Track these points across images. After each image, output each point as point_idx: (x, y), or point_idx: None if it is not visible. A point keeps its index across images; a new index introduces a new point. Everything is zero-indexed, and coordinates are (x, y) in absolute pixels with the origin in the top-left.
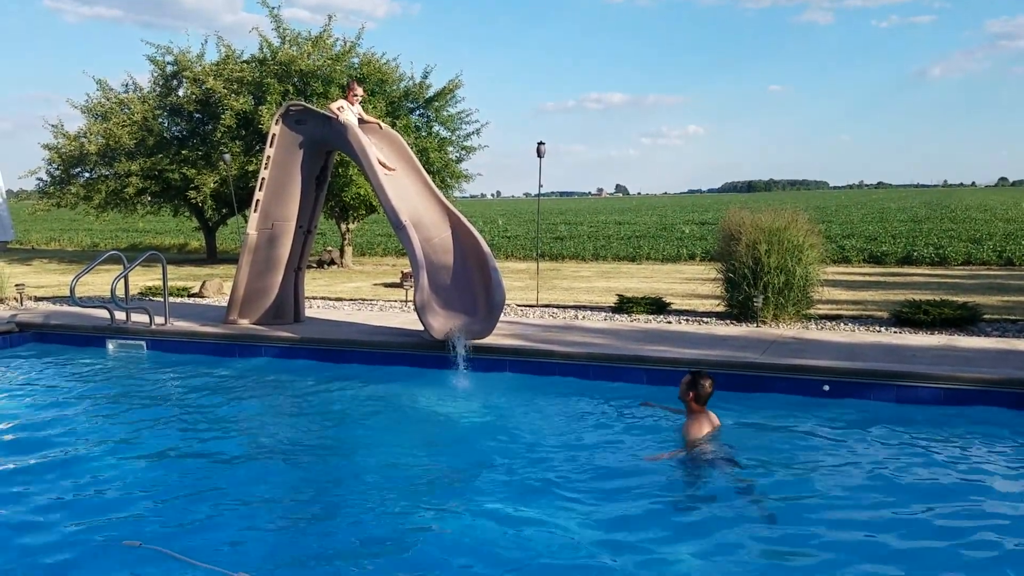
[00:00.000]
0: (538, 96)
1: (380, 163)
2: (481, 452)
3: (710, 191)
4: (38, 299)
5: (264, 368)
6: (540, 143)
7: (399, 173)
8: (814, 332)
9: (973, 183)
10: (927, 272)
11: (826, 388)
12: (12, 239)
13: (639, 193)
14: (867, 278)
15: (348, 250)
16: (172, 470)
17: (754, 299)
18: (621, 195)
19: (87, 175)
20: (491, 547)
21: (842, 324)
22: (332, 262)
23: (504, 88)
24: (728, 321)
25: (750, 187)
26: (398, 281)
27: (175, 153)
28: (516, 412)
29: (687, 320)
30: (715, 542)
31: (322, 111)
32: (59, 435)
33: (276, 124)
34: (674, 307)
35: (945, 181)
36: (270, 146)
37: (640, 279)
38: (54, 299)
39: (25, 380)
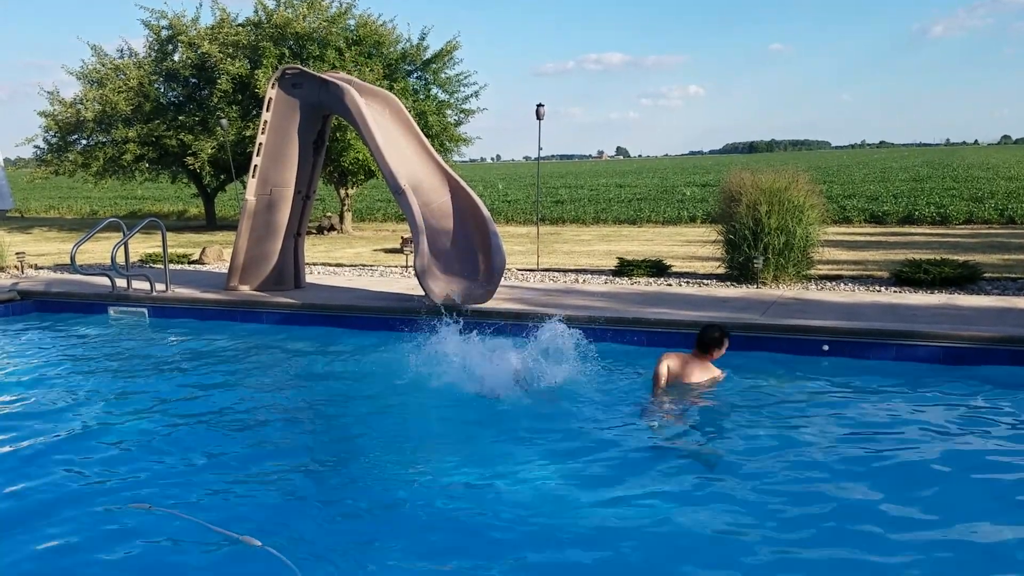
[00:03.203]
0: (536, 57)
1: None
2: (482, 415)
3: (711, 152)
4: (38, 267)
5: (265, 334)
6: (539, 105)
7: (397, 137)
8: (814, 292)
9: (976, 141)
10: (928, 231)
11: (825, 348)
12: (11, 207)
13: (640, 155)
14: (868, 238)
15: (348, 216)
16: (175, 436)
17: (754, 260)
18: (622, 158)
19: (84, 142)
20: (491, 505)
21: (842, 284)
22: (332, 228)
23: (502, 50)
24: (728, 283)
25: (752, 148)
26: (398, 247)
27: (172, 119)
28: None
29: (687, 282)
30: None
31: (319, 74)
32: (63, 402)
33: (272, 88)
34: (674, 269)
35: (948, 140)
36: (267, 111)
37: (641, 242)
38: (55, 267)
39: (27, 348)
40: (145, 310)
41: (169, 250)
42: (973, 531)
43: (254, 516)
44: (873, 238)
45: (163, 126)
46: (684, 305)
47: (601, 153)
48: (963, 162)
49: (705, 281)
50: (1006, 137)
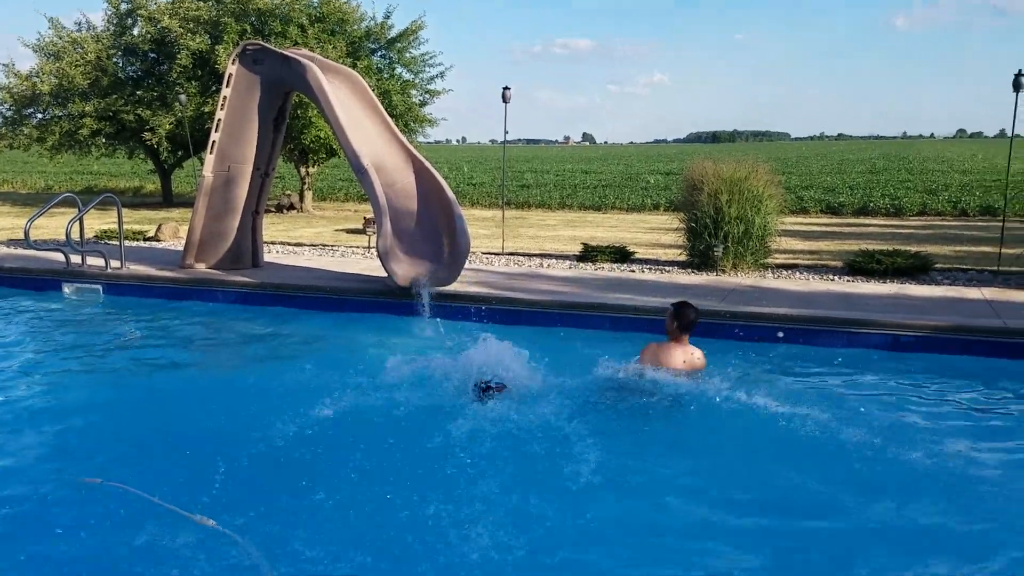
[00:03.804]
0: (503, 40)
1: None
2: (444, 397)
3: (675, 141)
4: None
5: (221, 313)
6: (505, 88)
7: (360, 116)
8: (771, 281)
9: (932, 135)
10: (882, 223)
11: (780, 335)
12: None
13: (606, 142)
14: (824, 228)
15: (308, 195)
16: (129, 414)
17: (715, 248)
18: (588, 144)
19: (40, 116)
20: (462, 489)
21: (798, 273)
22: (292, 207)
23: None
24: (689, 270)
25: (715, 138)
26: (360, 227)
27: (130, 94)
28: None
29: (650, 269)
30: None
31: (280, 51)
32: (14, 379)
33: (233, 64)
34: (637, 256)
35: (905, 133)
36: (226, 86)
37: (605, 228)
38: (8, 242)
39: None
40: (99, 287)
41: (125, 227)
42: (907, 504)
43: (206, 494)
44: (829, 228)
45: (120, 101)
46: (646, 291)
47: (567, 139)
48: (919, 155)
49: (667, 268)
50: (961, 131)
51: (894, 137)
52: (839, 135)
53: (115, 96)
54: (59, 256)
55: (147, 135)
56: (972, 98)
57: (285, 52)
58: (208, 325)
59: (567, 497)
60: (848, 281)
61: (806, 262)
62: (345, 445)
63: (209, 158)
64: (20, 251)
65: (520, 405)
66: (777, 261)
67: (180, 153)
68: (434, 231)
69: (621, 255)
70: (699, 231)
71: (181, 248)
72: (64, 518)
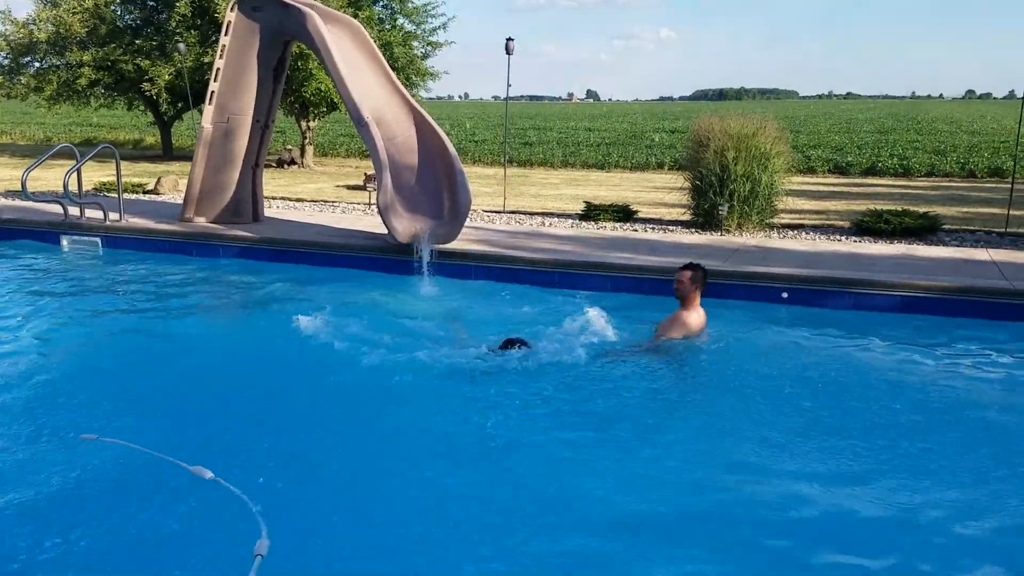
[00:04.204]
0: None
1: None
2: (443, 355)
3: (681, 98)
4: None
5: (222, 268)
6: (509, 39)
7: (362, 67)
8: (776, 241)
9: (941, 95)
10: (890, 183)
11: (785, 296)
12: None
13: (611, 99)
14: (831, 188)
15: (309, 149)
16: (126, 367)
17: (720, 207)
18: (592, 101)
19: (37, 65)
20: (453, 453)
21: (804, 233)
22: (292, 162)
23: None
24: (694, 229)
25: (721, 95)
26: (361, 183)
27: (128, 43)
28: (481, 318)
29: (653, 228)
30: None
31: None
32: (11, 331)
33: (232, 11)
34: (641, 215)
35: (913, 93)
36: (225, 35)
37: (608, 187)
38: (6, 193)
39: None
40: (98, 240)
41: (124, 179)
42: (920, 463)
43: (204, 447)
44: (836, 188)
45: (119, 50)
46: (648, 250)
47: (571, 95)
48: (927, 115)
49: (671, 227)
50: (970, 92)
51: (902, 97)
52: (847, 94)
53: (113, 45)
54: (57, 208)
55: (146, 86)
56: (982, 59)
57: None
58: (207, 279)
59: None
60: (855, 241)
61: (813, 222)
62: (344, 401)
63: (208, 109)
64: (17, 202)
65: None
66: (783, 221)
67: (180, 105)
68: (435, 187)
69: (624, 214)
70: (704, 189)
71: (181, 201)
72: (60, 474)
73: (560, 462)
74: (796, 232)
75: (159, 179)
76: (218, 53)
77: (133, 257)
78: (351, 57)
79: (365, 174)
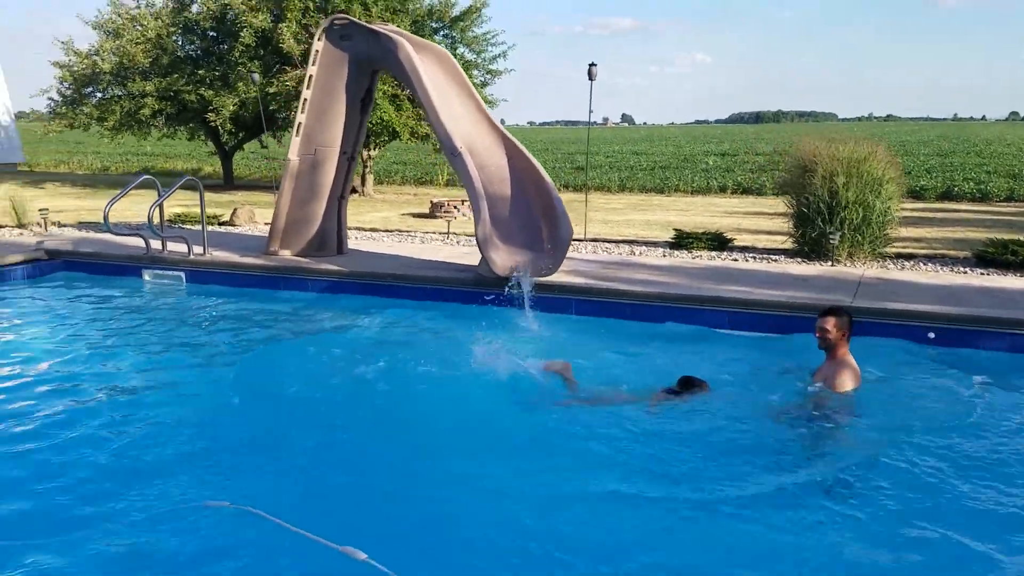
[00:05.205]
0: (542, 20)
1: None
2: (550, 398)
3: (717, 121)
4: (62, 225)
5: (311, 303)
6: (591, 64)
7: (450, 95)
8: (895, 272)
9: (983, 117)
10: (971, 208)
11: (931, 336)
12: (21, 161)
13: (645, 123)
14: (912, 213)
15: (370, 178)
16: (221, 414)
17: (830, 235)
18: (627, 125)
19: (99, 95)
20: (558, 510)
21: (920, 264)
22: (353, 190)
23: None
24: (798, 259)
25: (758, 118)
26: (427, 211)
27: (190, 73)
28: (587, 355)
29: (754, 258)
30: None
31: (369, 25)
32: (98, 373)
33: (319, 40)
34: (736, 243)
35: (955, 115)
36: (313, 64)
37: (676, 212)
38: (79, 225)
39: (57, 312)
40: (182, 274)
41: (193, 210)
42: None
43: (306, 504)
44: (917, 213)
45: (181, 80)
46: (759, 283)
47: (606, 120)
48: (978, 137)
49: (773, 256)
50: (1014, 113)
51: (944, 119)
52: (888, 116)
53: (176, 75)
54: (137, 241)
55: (211, 116)
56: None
57: (375, 27)
58: (299, 314)
59: None
60: (982, 274)
61: (922, 251)
62: (456, 446)
63: (295, 141)
64: (93, 235)
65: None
66: (894, 250)
67: (241, 135)
68: (531, 217)
69: (718, 242)
70: (811, 216)
71: (258, 233)
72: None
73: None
74: (912, 263)
75: (235, 210)
76: (305, 83)
77: (219, 292)
78: (440, 85)
79: (431, 202)
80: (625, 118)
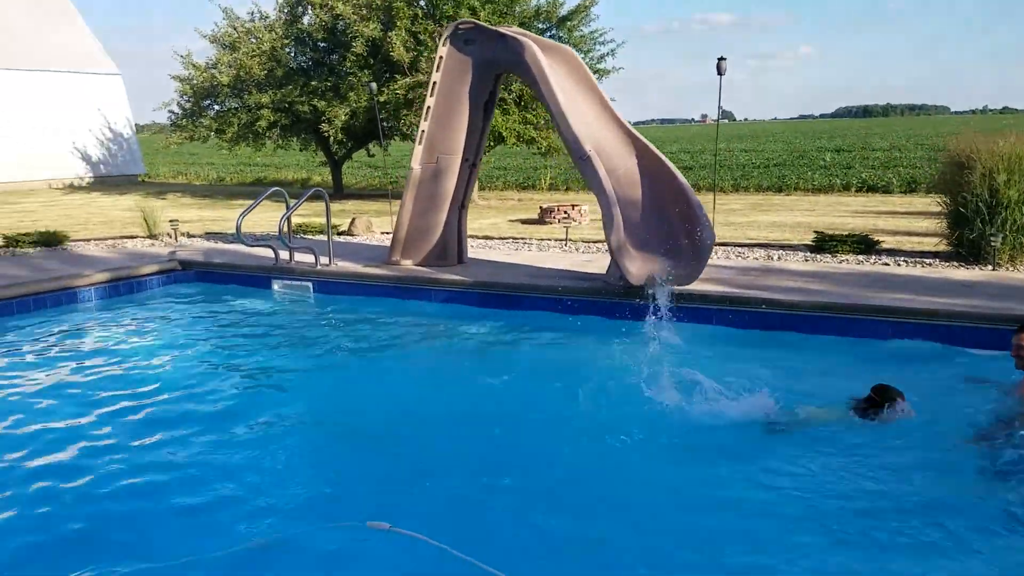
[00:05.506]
0: (639, 17)
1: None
2: (702, 422)
3: (822, 116)
4: (191, 235)
5: (437, 313)
6: (720, 59)
7: (577, 97)
8: None
9: None
10: None
11: None
12: (143, 172)
13: (745, 119)
14: None
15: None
16: (360, 430)
17: (991, 237)
18: (727, 121)
19: (218, 108)
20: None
21: None
22: None
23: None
24: (954, 263)
25: (866, 112)
26: (536, 217)
27: (303, 84)
28: (739, 370)
29: (905, 262)
30: None
31: (495, 28)
32: (235, 383)
33: (443, 46)
34: (884, 246)
35: None
36: (437, 71)
37: (801, 212)
38: (206, 235)
39: (193, 322)
40: (310, 284)
41: (306, 220)
42: None
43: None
44: None
45: (296, 91)
46: (921, 289)
47: (705, 117)
48: None
49: (926, 260)
50: None
51: None
52: (1004, 108)
53: (290, 87)
54: (260, 251)
55: (324, 126)
56: None
57: (500, 30)
58: (426, 325)
59: None
60: None
61: None
62: (590, 466)
63: (417, 149)
64: (221, 245)
65: None
66: None
67: (350, 144)
68: (666, 222)
69: (864, 245)
70: (969, 217)
71: (375, 243)
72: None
73: None
74: None
75: (352, 220)
76: (428, 90)
77: (346, 302)
78: (567, 87)
79: (540, 207)
80: (725, 114)
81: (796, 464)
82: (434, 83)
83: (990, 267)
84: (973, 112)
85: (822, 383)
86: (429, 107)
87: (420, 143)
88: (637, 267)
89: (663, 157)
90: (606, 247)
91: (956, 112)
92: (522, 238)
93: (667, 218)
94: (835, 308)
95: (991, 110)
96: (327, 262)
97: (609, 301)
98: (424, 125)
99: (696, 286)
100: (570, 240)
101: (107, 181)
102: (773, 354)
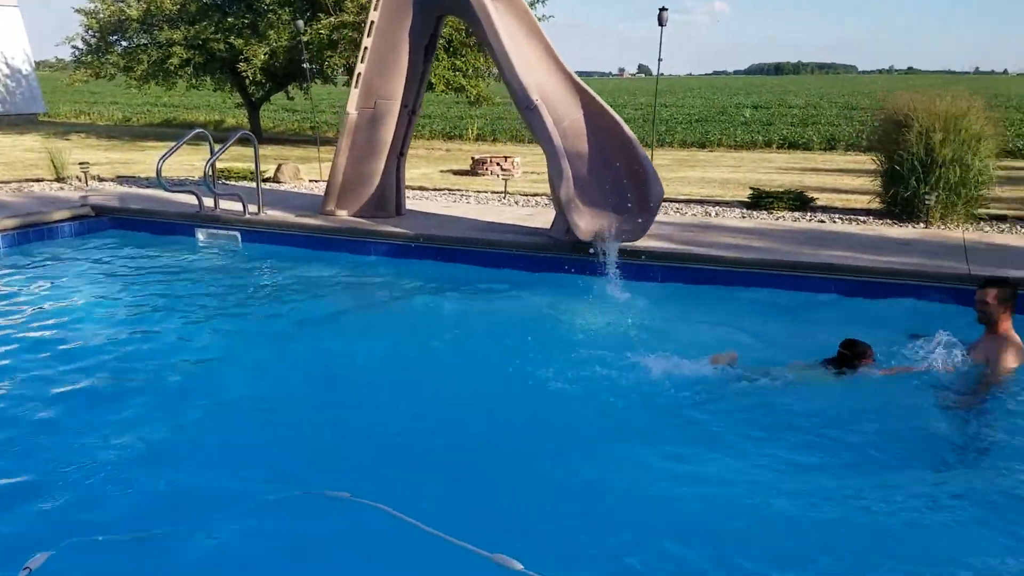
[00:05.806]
0: None
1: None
2: (643, 380)
3: (736, 72)
4: (102, 179)
5: (375, 267)
6: (662, 9)
7: (523, 43)
8: (996, 236)
9: (1005, 71)
10: None
11: None
12: (43, 111)
13: (662, 75)
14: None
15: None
16: (296, 393)
17: (926, 196)
18: (644, 76)
19: (125, 44)
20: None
21: (1018, 226)
22: None
23: None
24: (888, 220)
25: (778, 69)
26: (467, 168)
27: (218, 21)
28: (681, 327)
29: (841, 219)
30: None
31: None
32: (158, 336)
33: None
34: (818, 203)
35: (977, 68)
36: (374, 10)
37: (727, 169)
38: (118, 179)
39: (108, 272)
40: (238, 234)
41: (228, 165)
42: None
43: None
44: (1003, 172)
45: (210, 28)
46: (859, 247)
47: (622, 71)
48: (1014, 91)
49: (861, 218)
50: None
51: (966, 72)
52: (909, 68)
53: (204, 23)
54: (181, 197)
55: (242, 66)
56: None
57: None
58: (363, 279)
59: None
60: None
61: (1014, 212)
62: (537, 424)
63: (353, 93)
64: (136, 190)
65: None
66: (984, 212)
67: (269, 86)
68: (614, 176)
69: (800, 202)
70: (904, 175)
71: (305, 191)
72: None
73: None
74: (1009, 225)
75: (279, 166)
76: (366, 30)
77: (277, 253)
78: (514, 32)
79: (473, 158)
80: (642, 68)
81: (758, 424)
82: (372, 23)
83: (923, 225)
84: (880, 72)
85: (784, 341)
86: (366, 48)
87: (356, 86)
88: (586, 222)
89: (610, 109)
90: (548, 200)
91: (863, 71)
92: (458, 189)
93: (614, 172)
94: (776, 265)
95: (897, 70)
96: (256, 211)
97: (557, 256)
98: (360, 67)
99: (640, 242)
100: (508, 193)
101: (3, 120)
102: (721, 311)
